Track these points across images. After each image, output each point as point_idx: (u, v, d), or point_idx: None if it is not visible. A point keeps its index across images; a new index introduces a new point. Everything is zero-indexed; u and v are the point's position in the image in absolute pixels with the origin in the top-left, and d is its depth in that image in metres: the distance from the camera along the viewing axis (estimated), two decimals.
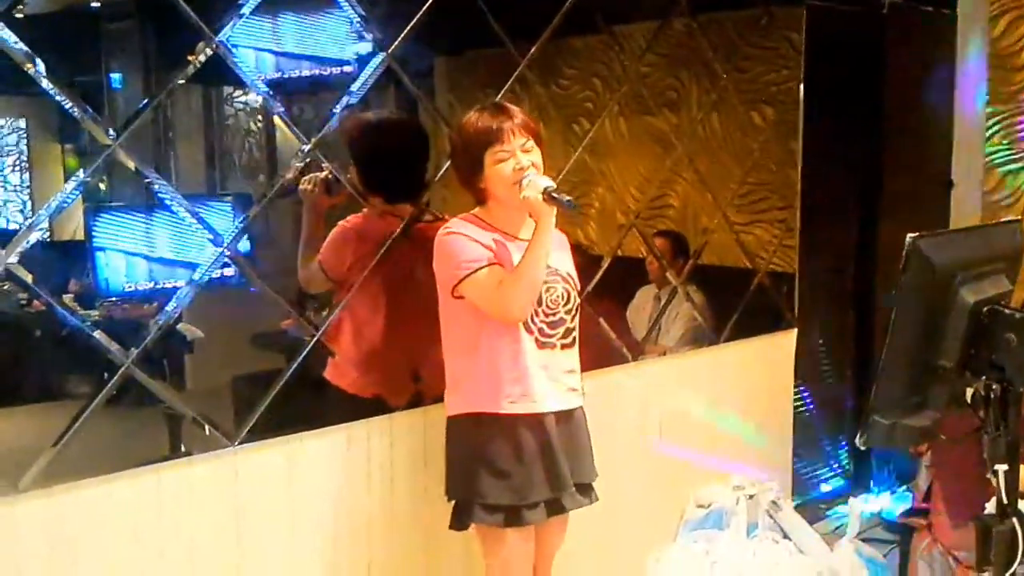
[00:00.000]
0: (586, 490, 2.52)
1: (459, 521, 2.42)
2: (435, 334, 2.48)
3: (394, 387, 2.76)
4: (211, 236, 2.40)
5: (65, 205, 2.21)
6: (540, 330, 2.40)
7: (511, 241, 2.41)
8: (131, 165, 2.26)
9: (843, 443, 4.35)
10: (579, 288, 2.52)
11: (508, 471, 2.35)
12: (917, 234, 1.77)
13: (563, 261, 2.50)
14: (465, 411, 2.41)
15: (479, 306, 2.34)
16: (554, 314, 2.42)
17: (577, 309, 2.49)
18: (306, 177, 2.59)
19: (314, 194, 2.60)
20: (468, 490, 2.38)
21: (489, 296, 2.32)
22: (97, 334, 2.21)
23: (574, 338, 2.49)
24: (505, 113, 2.37)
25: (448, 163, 2.68)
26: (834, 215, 4.09)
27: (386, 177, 2.72)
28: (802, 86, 3.74)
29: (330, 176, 2.60)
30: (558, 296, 2.42)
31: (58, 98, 2.14)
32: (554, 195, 2.27)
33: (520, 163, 2.34)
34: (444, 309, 2.44)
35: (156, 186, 2.31)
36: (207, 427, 2.39)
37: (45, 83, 2.12)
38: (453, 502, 2.44)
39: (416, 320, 2.64)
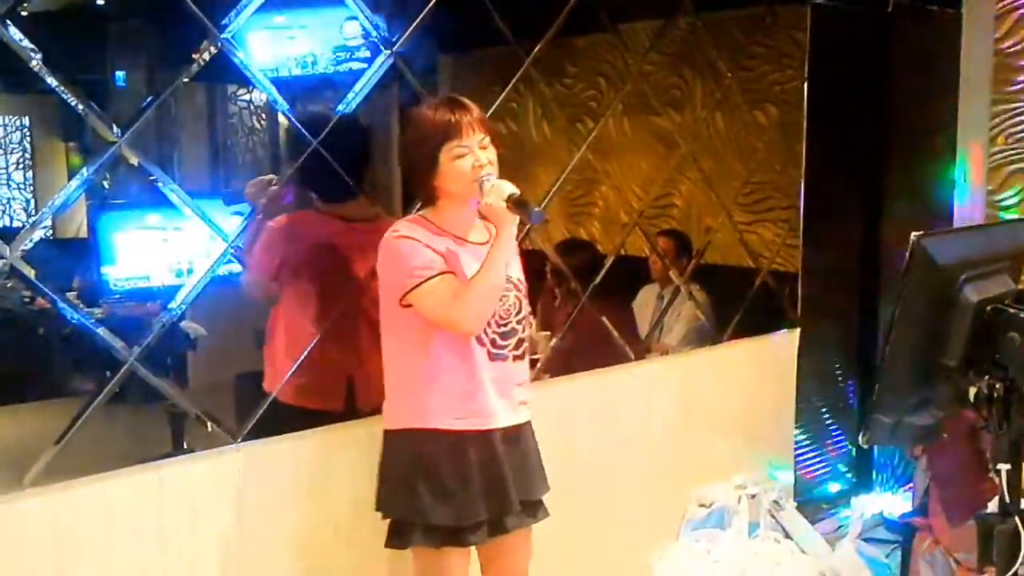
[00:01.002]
0: (534, 507, 2.39)
1: (397, 541, 2.28)
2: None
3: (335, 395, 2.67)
4: (215, 233, 2.41)
5: (69, 202, 2.21)
6: (492, 341, 2.28)
7: (461, 245, 2.28)
8: (136, 162, 2.26)
9: (845, 442, 4.35)
10: (527, 296, 2.38)
11: (450, 491, 2.23)
12: (921, 233, 1.77)
13: (513, 266, 2.35)
14: (408, 426, 2.27)
15: (429, 317, 2.20)
16: (506, 324, 2.29)
17: (528, 317, 2.37)
18: (251, 181, 2.53)
19: (256, 196, 2.51)
20: (408, 510, 2.25)
21: (442, 307, 2.18)
22: (100, 331, 2.22)
23: (525, 349, 2.36)
24: (463, 107, 2.24)
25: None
26: (838, 214, 4.08)
27: (322, 176, 2.58)
28: (806, 85, 3.73)
29: (273, 179, 2.53)
30: (510, 306, 2.30)
31: (64, 95, 2.14)
32: (520, 203, 2.15)
33: (479, 160, 2.22)
34: (388, 317, 2.29)
35: (160, 183, 2.32)
36: (210, 425, 2.40)
37: (51, 80, 2.12)
38: (390, 520, 2.31)
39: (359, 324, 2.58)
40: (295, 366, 2.55)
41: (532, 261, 3.06)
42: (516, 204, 2.16)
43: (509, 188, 2.18)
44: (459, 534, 2.25)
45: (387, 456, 2.32)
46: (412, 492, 2.23)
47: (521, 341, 2.34)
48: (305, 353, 2.56)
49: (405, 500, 2.25)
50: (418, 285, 2.19)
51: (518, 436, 2.35)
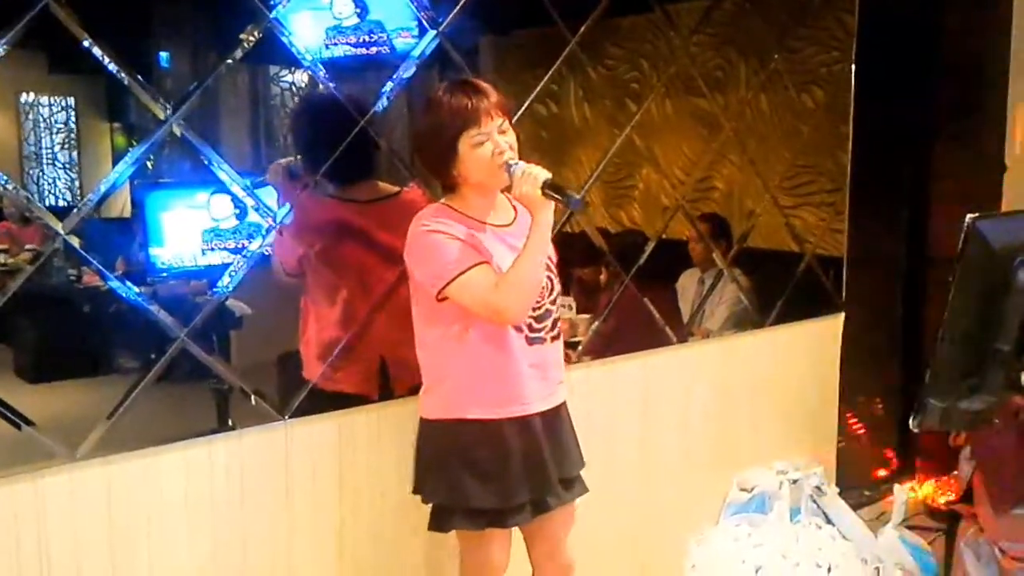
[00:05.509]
0: (572, 483, 2.38)
1: (439, 524, 2.29)
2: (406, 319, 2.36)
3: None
4: (262, 212, 2.43)
5: (120, 181, 2.24)
6: (529, 326, 2.24)
7: (483, 230, 2.23)
8: (186, 141, 2.28)
9: (889, 428, 4.31)
10: (558, 269, 2.34)
11: (491, 475, 2.22)
12: (976, 215, 1.75)
13: None
14: (447, 417, 2.26)
15: (471, 309, 2.16)
16: (540, 307, 2.25)
17: (559, 295, 2.34)
18: (272, 165, 2.52)
19: (278, 180, 2.49)
20: (450, 495, 2.25)
21: (482, 299, 2.13)
22: (153, 308, 2.25)
23: (560, 328, 2.35)
24: (479, 92, 2.16)
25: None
26: (885, 198, 4.04)
27: (332, 161, 2.53)
28: (854, 67, 3.69)
29: (292, 161, 2.52)
30: (543, 287, 2.25)
31: (114, 75, 2.17)
32: (556, 189, 2.09)
33: (499, 147, 2.15)
34: (422, 309, 2.27)
35: (210, 162, 2.34)
36: (257, 401, 2.43)
37: (104, 60, 2.14)
38: (431, 504, 2.32)
39: (385, 303, 2.58)
40: (327, 352, 2.56)
41: (573, 243, 3.06)
42: (553, 190, 2.09)
43: (543, 175, 2.11)
44: (502, 516, 2.25)
45: (425, 443, 2.32)
46: (453, 478, 2.23)
47: (556, 321, 2.32)
48: (332, 338, 2.57)
49: (446, 486, 2.25)
50: (455, 278, 2.14)
51: (556, 417, 2.34)
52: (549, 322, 2.29)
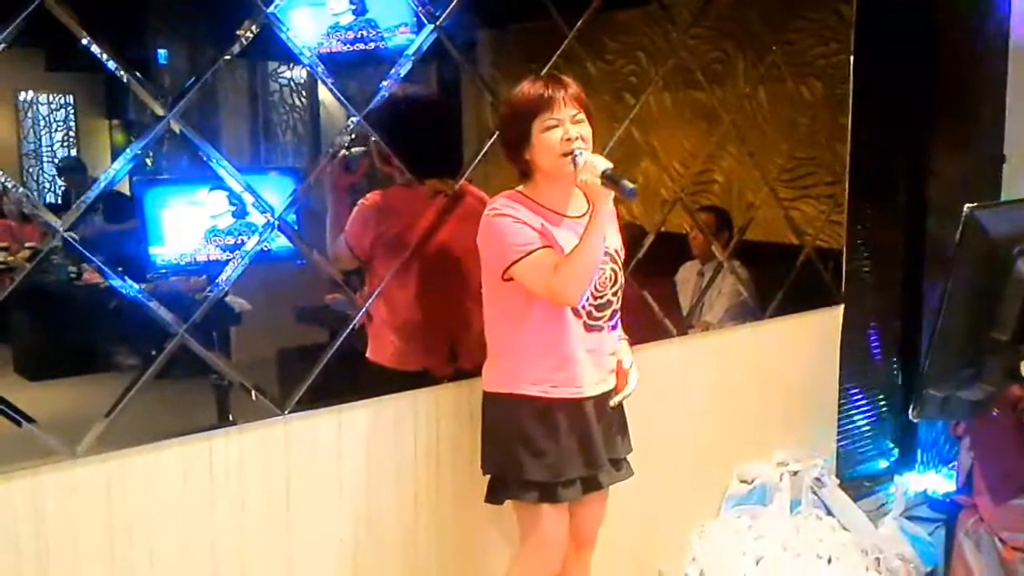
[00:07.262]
0: (621, 465, 2.52)
1: (494, 496, 2.43)
2: (472, 306, 2.48)
3: (434, 360, 2.76)
4: (262, 208, 2.43)
5: (119, 178, 2.24)
6: (589, 313, 2.37)
7: (558, 222, 2.35)
8: (184, 137, 2.28)
9: (889, 420, 4.31)
10: (623, 261, 2.48)
11: (544, 449, 2.34)
12: (975, 204, 1.75)
13: (611, 236, 2.44)
14: (505, 390, 2.39)
15: (532, 289, 2.29)
16: (602, 296, 2.39)
17: (622, 288, 2.46)
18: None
19: (333, 173, 2.58)
20: (504, 466, 2.39)
21: (543, 280, 2.26)
22: (152, 304, 2.25)
23: (618, 319, 2.47)
24: (558, 83, 2.30)
25: (491, 139, 2.68)
26: (883, 190, 4.03)
27: (410, 150, 2.65)
28: (852, 59, 3.69)
29: (347, 154, 2.58)
30: (606, 278, 2.39)
31: (113, 72, 2.17)
32: (612, 179, 2.18)
33: (568, 134, 2.26)
34: (489, 289, 2.40)
35: (209, 158, 2.34)
36: (257, 396, 2.43)
37: (103, 57, 2.14)
38: (488, 476, 2.45)
39: (452, 292, 2.66)
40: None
41: None
42: (609, 179, 2.18)
43: (603, 164, 2.20)
44: (553, 490, 2.35)
45: (485, 416, 2.45)
46: (507, 450, 2.36)
47: (615, 312, 2.44)
48: (403, 319, 2.68)
49: (501, 458, 2.38)
50: (519, 260, 2.26)
51: (607, 401, 2.46)
52: (608, 312, 2.41)
